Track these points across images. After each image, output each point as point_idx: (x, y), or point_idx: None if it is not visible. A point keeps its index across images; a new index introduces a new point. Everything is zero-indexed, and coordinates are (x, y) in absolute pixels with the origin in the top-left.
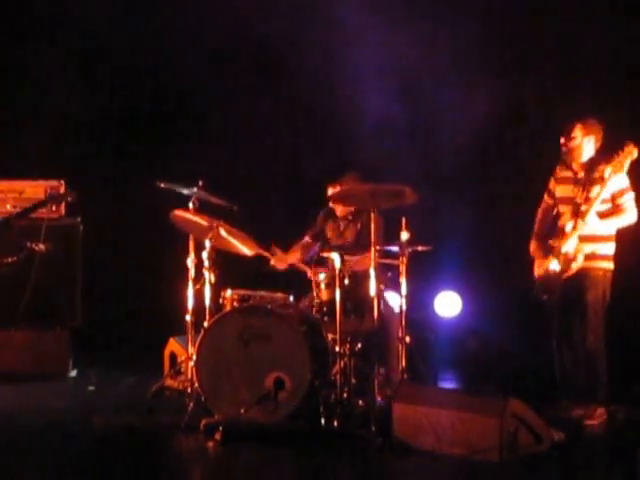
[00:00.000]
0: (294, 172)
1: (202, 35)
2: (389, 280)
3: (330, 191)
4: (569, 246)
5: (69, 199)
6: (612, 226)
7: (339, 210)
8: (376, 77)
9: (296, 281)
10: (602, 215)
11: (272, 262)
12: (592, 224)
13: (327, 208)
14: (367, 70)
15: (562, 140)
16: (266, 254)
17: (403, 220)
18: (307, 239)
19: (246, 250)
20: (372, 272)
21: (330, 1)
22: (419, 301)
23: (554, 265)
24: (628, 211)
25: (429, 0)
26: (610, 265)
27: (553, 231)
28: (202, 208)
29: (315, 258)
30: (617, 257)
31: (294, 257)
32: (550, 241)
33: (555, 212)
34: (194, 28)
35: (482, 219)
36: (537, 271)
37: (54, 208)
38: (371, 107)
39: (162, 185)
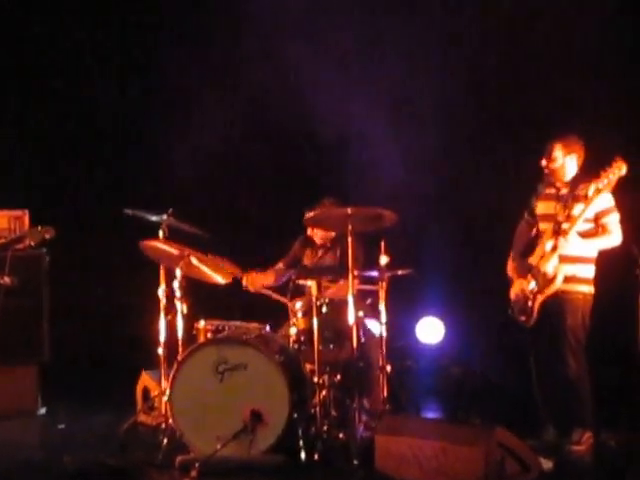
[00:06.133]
0: (271, 197)
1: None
2: (369, 307)
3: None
4: (549, 266)
5: (47, 236)
6: (594, 247)
7: (318, 237)
8: (355, 96)
9: (272, 310)
10: (584, 235)
11: (244, 283)
12: (573, 244)
13: (305, 236)
14: (347, 91)
15: (543, 162)
16: (238, 273)
17: (382, 243)
18: (280, 265)
19: (219, 278)
20: (350, 299)
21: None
22: (400, 328)
23: (532, 285)
24: (612, 233)
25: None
26: (590, 289)
27: (532, 250)
28: (173, 235)
29: (291, 286)
30: (597, 280)
31: (267, 279)
32: (529, 260)
33: (535, 230)
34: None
35: (465, 241)
36: (514, 291)
37: (32, 244)
38: (352, 129)
39: (129, 212)
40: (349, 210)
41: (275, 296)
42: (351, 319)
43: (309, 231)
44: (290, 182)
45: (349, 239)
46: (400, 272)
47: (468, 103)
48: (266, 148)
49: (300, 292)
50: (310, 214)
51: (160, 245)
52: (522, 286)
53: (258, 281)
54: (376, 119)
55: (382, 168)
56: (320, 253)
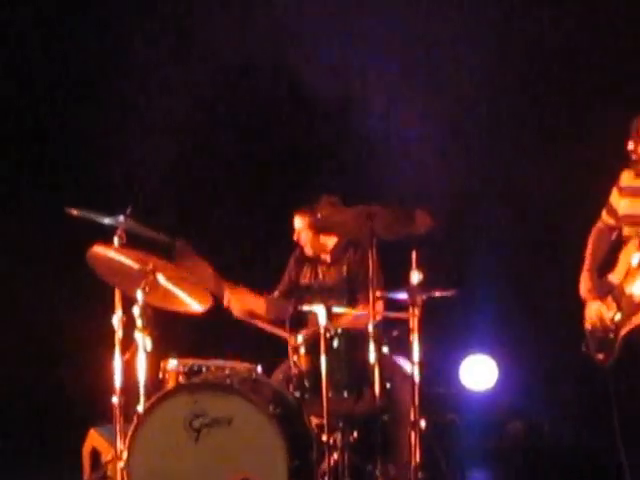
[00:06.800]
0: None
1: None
2: (395, 341)
3: (298, 222)
4: (636, 286)
5: None
6: None
7: (309, 249)
8: (363, 51)
9: (265, 345)
10: None
11: (225, 300)
12: None
13: (297, 252)
14: (352, 43)
15: (630, 145)
16: (219, 288)
17: (413, 254)
18: (276, 295)
19: (196, 304)
20: (371, 330)
21: None
22: (438, 369)
23: (614, 311)
24: None
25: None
26: None
27: (613, 263)
28: (132, 244)
29: (291, 311)
30: None
31: (257, 304)
32: (609, 277)
33: (617, 237)
34: None
35: (524, 252)
36: (590, 319)
37: None
38: (362, 98)
39: (74, 213)
40: (372, 209)
41: (269, 328)
42: (372, 357)
43: (295, 237)
44: (280, 171)
45: (367, 249)
46: (438, 293)
47: (521, 65)
48: (246, 124)
49: (303, 322)
50: (315, 215)
51: (114, 255)
52: (600, 312)
53: (246, 302)
54: (395, 82)
55: (406, 152)
56: (320, 271)
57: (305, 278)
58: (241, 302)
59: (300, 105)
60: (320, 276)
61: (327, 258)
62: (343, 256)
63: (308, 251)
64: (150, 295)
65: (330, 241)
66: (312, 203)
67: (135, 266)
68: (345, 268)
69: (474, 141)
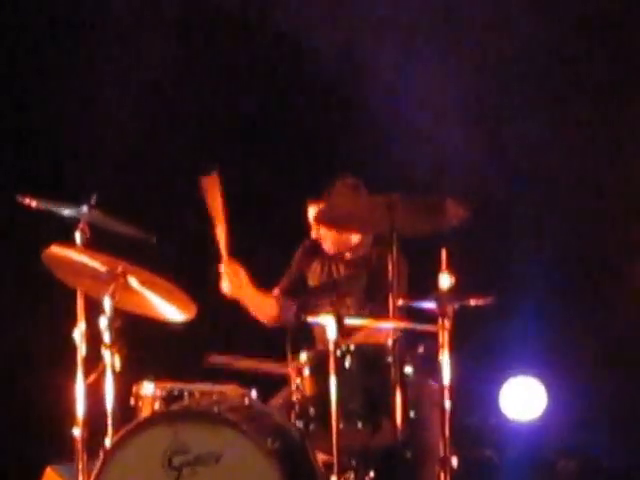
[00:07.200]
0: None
1: None
2: (421, 359)
3: (312, 211)
4: None
5: None
6: None
7: (329, 246)
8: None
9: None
10: None
11: (221, 267)
12: None
13: (308, 241)
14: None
15: None
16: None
17: (443, 254)
18: (275, 292)
19: (177, 312)
20: (391, 345)
21: None
22: (474, 395)
23: None
24: None
25: None
26: None
27: None
28: (98, 241)
29: (293, 321)
30: None
31: (253, 293)
32: None
33: None
34: None
35: (577, 253)
36: None
37: None
38: (395, 84)
39: (28, 202)
40: (392, 199)
41: (259, 365)
42: (392, 379)
43: (313, 233)
44: (280, 149)
45: (388, 248)
46: (473, 301)
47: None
48: (246, 107)
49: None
50: (321, 205)
51: (76, 255)
52: None
53: (245, 284)
54: (415, 51)
55: (433, 131)
56: (335, 271)
57: (314, 276)
58: (234, 277)
59: (305, 81)
60: (334, 274)
61: (348, 254)
62: (366, 255)
63: (329, 248)
64: (121, 302)
65: (356, 236)
66: (326, 189)
67: (102, 267)
68: (365, 270)
69: (522, 117)
